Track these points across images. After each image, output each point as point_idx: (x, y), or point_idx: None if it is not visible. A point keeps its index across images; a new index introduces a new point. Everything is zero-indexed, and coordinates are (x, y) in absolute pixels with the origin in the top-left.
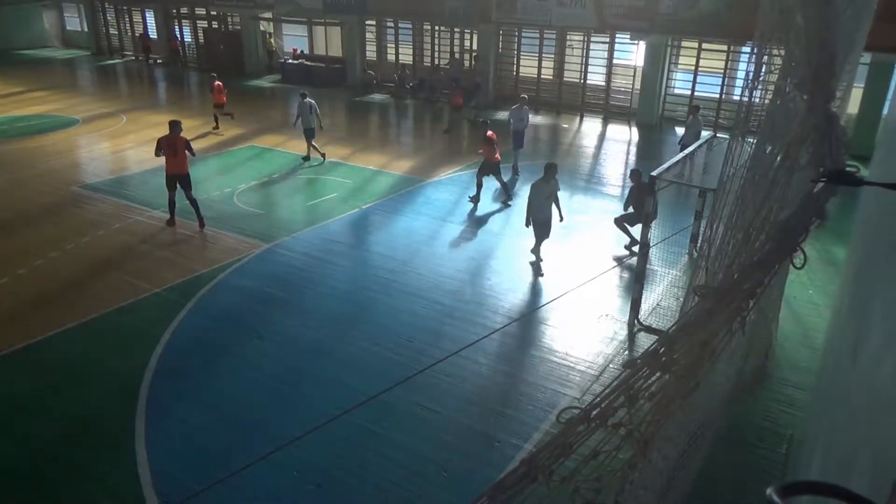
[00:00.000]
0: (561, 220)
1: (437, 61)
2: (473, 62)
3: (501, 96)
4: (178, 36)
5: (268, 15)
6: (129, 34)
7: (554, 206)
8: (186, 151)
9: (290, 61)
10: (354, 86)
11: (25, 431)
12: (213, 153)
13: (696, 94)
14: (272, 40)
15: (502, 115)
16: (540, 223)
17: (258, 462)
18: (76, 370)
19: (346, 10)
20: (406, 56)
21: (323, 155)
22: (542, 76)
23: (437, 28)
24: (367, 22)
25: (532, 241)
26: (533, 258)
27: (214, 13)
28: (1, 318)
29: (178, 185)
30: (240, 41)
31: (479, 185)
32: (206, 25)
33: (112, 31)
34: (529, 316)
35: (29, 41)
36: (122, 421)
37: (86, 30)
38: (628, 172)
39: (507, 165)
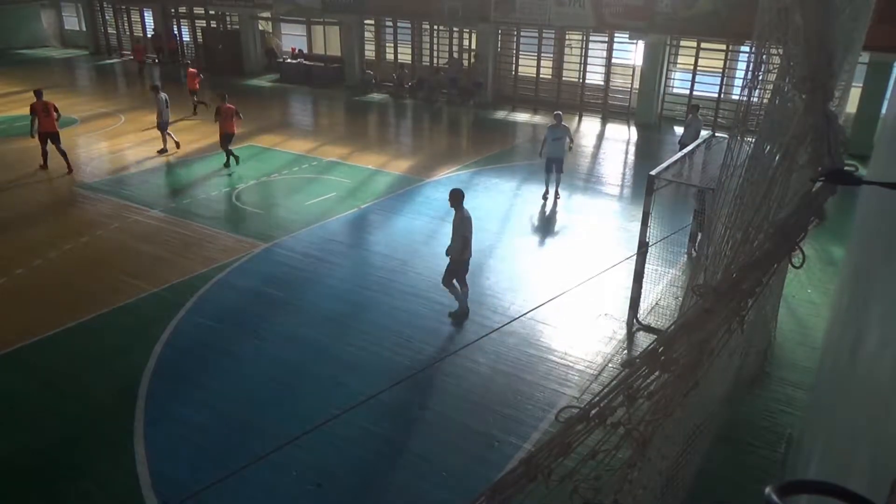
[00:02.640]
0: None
1: (435, 61)
2: (472, 61)
3: (501, 96)
4: (177, 35)
5: (266, 14)
6: (128, 34)
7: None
8: (55, 112)
9: (289, 61)
10: (353, 85)
11: (24, 431)
12: (211, 153)
13: (694, 93)
14: (271, 38)
15: (501, 114)
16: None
17: (257, 462)
18: (75, 370)
19: (344, 9)
20: (405, 56)
21: (177, 144)
22: (541, 76)
23: (435, 28)
24: (366, 21)
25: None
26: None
27: (213, 12)
28: (0, 317)
29: (48, 141)
30: (238, 40)
31: (228, 154)
32: (205, 25)
33: (110, 30)
34: (528, 315)
35: (27, 41)
36: (121, 421)
37: (84, 29)
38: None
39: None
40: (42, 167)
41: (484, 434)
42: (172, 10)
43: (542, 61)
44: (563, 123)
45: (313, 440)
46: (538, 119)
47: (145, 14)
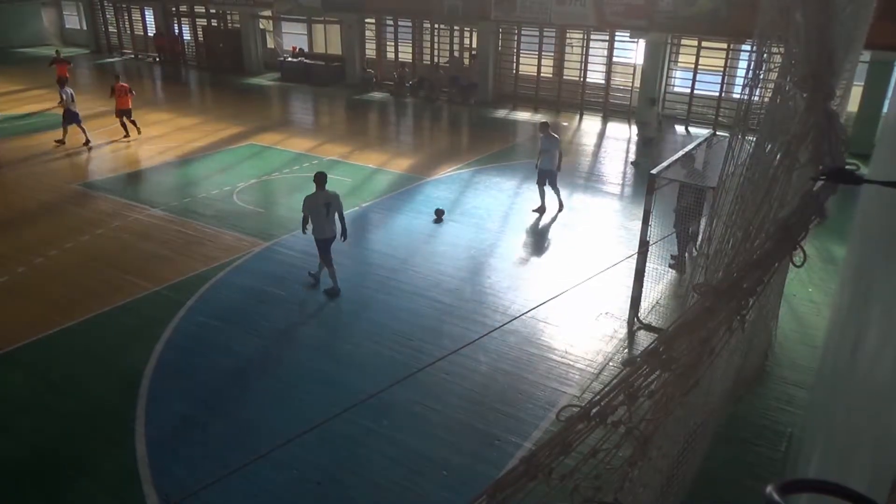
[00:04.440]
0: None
1: (436, 59)
2: (471, 60)
3: (501, 95)
4: (175, 34)
5: (267, 13)
6: (129, 32)
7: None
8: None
9: (290, 59)
10: (354, 84)
11: (25, 429)
12: (212, 151)
13: (695, 92)
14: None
15: (501, 112)
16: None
17: (258, 460)
18: (77, 368)
19: (345, 7)
20: (405, 54)
21: (63, 141)
22: (542, 74)
23: (436, 26)
24: (367, 20)
25: None
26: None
27: (214, 11)
28: (1, 316)
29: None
30: (239, 39)
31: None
32: (206, 24)
33: (111, 29)
34: (529, 314)
35: (27, 39)
36: (122, 419)
37: (85, 28)
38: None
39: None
40: (85, 144)
41: (485, 433)
42: (173, 9)
43: (542, 60)
44: (551, 133)
45: (314, 439)
46: (539, 118)
47: (146, 13)
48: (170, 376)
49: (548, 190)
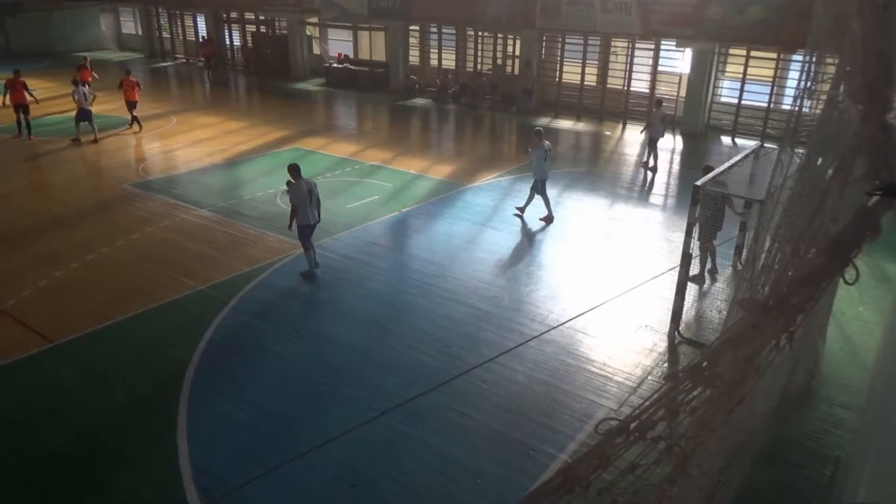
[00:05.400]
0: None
1: (479, 67)
2: (520, 68)
3: (544, 103)
4: (213, 41)
5: (314, 20)
6: (181, 38)
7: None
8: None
9: (335, 65)
10: (397, 90)
11: (74, 419)
12: (258, 154)
13: (743, 102)
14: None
15: (543, 120)
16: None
17: (295, 460)
18: (124, 362)
19: (390, 15)
20: (449, 61)
21: (78, 139)
22: (586, 83)
23: (480, 34)
24: (411, 27)
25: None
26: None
27: (263, 18)
28: (54, 309)
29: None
30: (286, 45)
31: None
32: (255, 30)
33: (165, 34)
34: (567, 324)
35: (86, 44)
36: (166, 413)
37: (140, 33)
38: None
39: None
40: (18, 135)
41: (520, 442)
42: (224, 15)
43: (586, 68)
44: (546, 141)
45: (350, 440)
46: (581, 126)
47: (198, 19)
48: (211, 373)
49: (538, 197)
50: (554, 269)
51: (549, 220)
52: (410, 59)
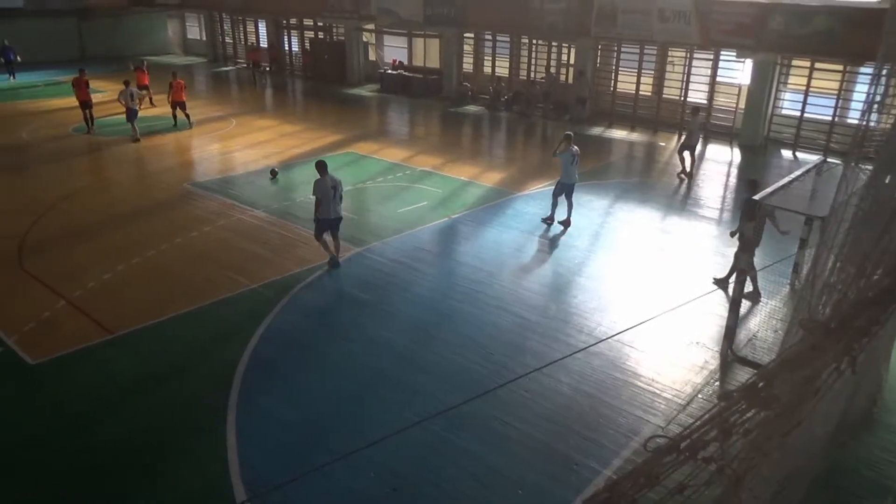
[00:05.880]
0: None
1: (532, 75)
2: (574, 77)
3: (598, 112)
4: (267, 45)
5: (371, 27)
6: (243, 43)
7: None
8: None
9: (390, 71)
10: (450, 97)
11: (127, 410)
12: (312, 157)
13: (806, 115)
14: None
15: (596, 130)
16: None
17: (338, 460)
18: (177, 356)
19: (445, 22)
20: (502, 69)
21: (138, 139)
22: (641, 92)
23: (534, 42)
24: (466, 35)
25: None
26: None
27: (321, 24)
28: (115, 302)
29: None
30: (343, 51)
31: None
32: (313, 36)
33: (227, 40)
34: (615, 337)
35: (153, 48)
36: (216, 408)
37: (204, 38)
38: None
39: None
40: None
41: (563, 455)
42: (284, 22)
43: (642, 78)
44: (574, 146)
45: (393, 444)
46: (635, 136)
47: (259, 25)
48: (261, 371)
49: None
50: (603, 281)
51: (566, 223)
52: (464, 66)
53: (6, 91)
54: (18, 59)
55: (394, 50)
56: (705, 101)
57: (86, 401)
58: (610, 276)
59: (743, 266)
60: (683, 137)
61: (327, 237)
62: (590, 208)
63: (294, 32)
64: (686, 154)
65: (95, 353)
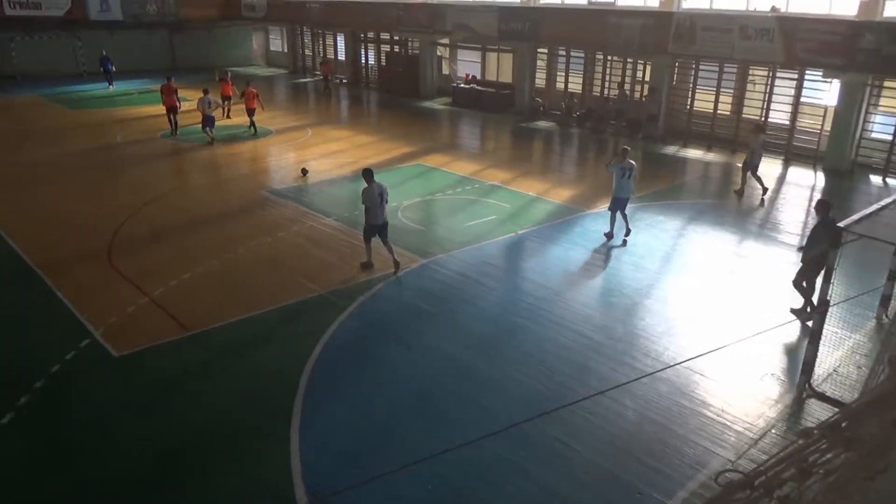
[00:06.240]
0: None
1: (606, 91)
2: (646, 93)
3: (672, 130)
4: (360, 58)
5: (445, 41)
6: (322, 55)
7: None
8: (175, 95)
9: (462, 85)
10: (522, 112)
11: (197, 407)
12: (384, 168)
13: None
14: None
15: (670, 149)
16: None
17: (398, 470)
18: (247, 356)
19: (519, 37)
20: (575, 85)
21: (211, 142)
22: (719, 111)
23: (609, 58)
24: (539, 50)
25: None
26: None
27: (397, 38)
28: (192, 301)
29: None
30: (417, 65)
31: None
32: (389, 49)
33: (307, 52)
34: (684, 364)
35: (238, 59)
36: (281, 411)
37: (285, 51)
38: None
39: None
40: (173, 133)
41: (626, 483)
42: (362, 35)
43: (720, 96)
44: (629, 160)
45: (452, 458)
46: (712, 157)
47: (338, 38)
48: (326, 376)
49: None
50: (672, 304)
51: (609, 236)
52: (536, 81)
53: (104, 98)
54: (114, 68)
55: (467, 64)
56: (788, 122)
57: (159, 395)
58: (680, 300)
59: (807, 278)
60: (746, 157)
61: (376, 241)
62: (661, 229)
63: (371, 45)
64: (750, 174)
65: (172, 349)
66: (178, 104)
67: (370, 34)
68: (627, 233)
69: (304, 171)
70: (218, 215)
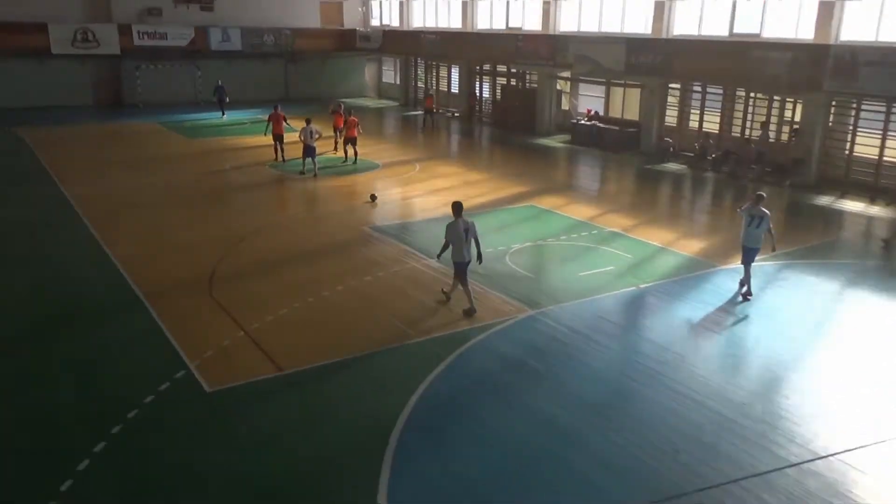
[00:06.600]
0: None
1: (747, 132)
2: (792, 136)
3: (827, 178)
4: (477, 92)
5: (566, 74)
6: (435, 88)
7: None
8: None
9: (582, 122)
10: (648, 152)
11: (283, 452)
12: (493, 208)
13: None
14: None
15: (824, 199)
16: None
17: None
18: (339, 402)
19: (649, 71)
20: (711, 124)
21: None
22: (885, 158)
23: (751, 95)
24: (671, 85)
25: None
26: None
27: (514, 70)
28: (287, 339)
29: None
30: (534, 99)
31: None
32: (505, 82)
33: (420, 84)
34: (838, 456)
35: (349, 90)
36: (370, 463)
37: (398, 82)
38: None
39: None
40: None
41: None
42: (477, 68)
43: (887, 141)
44: (761, 207)
45: None
46: (876, 210)
47: (452, 70)
48: (419, 431)
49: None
50: (825, 382)
51: (746, 295)
52: (666, 119)
53: (215, 128)
54: (227, 98)
55: (589, 99)
56: None
57: (248, 436)
58: (834, 378)
59: None
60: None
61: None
62: (812, 291)
63: (486, 78)
64: None
65: (264, 388)
66: (283, 132)
67: (486, 66)
68: (748, 291)
69: (373, 197)
70: (317, 250)
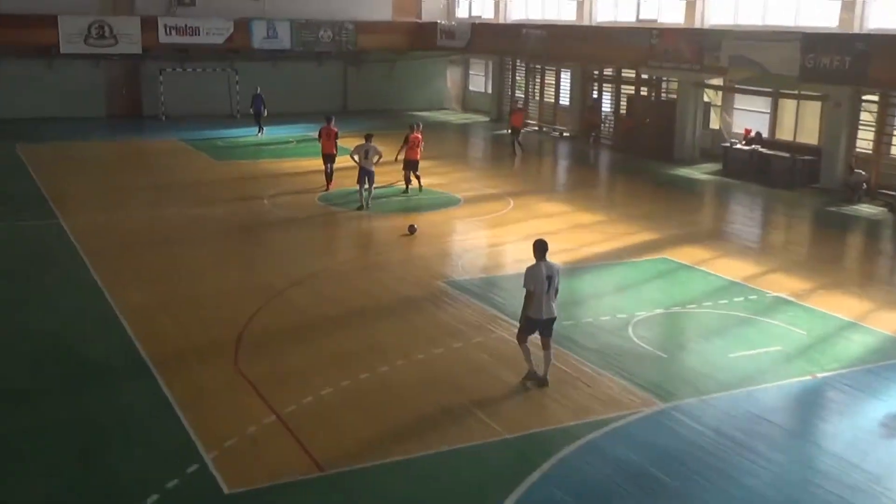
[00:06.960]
0: None
1: None
2: None
3: None
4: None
5: (717, 81)
6: (537, 99)
7: None
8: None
9: (739, 146)
10: (832, 189)
11: None
12: (611, 261)
13: None
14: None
15: None
16: None
17: None
18: None
19: (835, 78)
20: None
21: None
22: None
23: None
24: (866, 97)
25: None
26: None
27: (646, 77)
28: (329, 428)
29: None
30: (672, 114)
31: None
32: (633, 91)
33: (518, 93)
34: None
35: (427, 102)
36: None
37: (489, 91)
38: None
39: None
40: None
41: None
42: (595, 73)
43: None
44: None
45: None
46: None
47: (562, 76)
48: None
49: None
50: None
51: None
52: (858, 143)
53: (250, 148)
54: (266, 111)
55: (748, 115)
56: None
57: None
58: None
59: None
60: None
61: (534, 340)
62: None
63: (607, 87)
64: None
65: (298, 492)
66: (335, 152)
67: (607, 71)
68: None
69: (412, 229)
70: (375, 310)
